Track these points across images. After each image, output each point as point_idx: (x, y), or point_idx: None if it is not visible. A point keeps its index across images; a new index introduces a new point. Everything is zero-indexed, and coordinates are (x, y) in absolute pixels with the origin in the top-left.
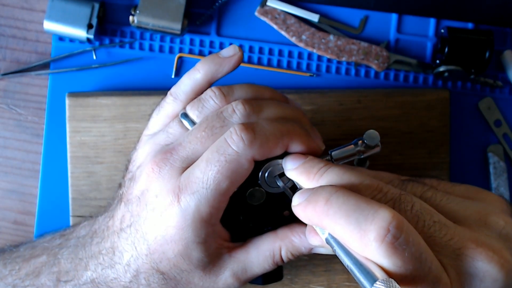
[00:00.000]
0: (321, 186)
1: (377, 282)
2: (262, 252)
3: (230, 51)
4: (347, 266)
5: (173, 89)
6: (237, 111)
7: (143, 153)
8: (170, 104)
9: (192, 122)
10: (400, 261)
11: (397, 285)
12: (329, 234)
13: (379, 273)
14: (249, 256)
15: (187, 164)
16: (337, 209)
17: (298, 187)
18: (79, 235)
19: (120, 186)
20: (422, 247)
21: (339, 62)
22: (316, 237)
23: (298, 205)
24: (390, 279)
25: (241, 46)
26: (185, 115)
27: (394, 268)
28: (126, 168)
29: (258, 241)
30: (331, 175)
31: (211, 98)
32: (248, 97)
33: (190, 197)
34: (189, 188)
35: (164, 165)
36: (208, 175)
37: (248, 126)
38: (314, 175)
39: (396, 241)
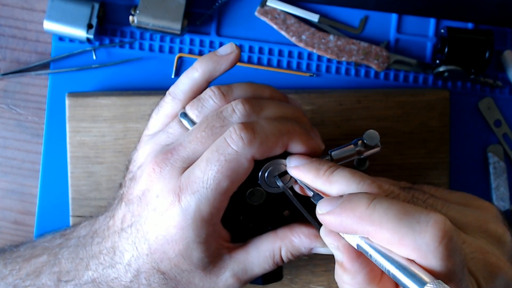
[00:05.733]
0: (352, 194)
1: (428, 285)
2: (262, 253)
3: (227, 49)
4: (388, 271)
5: (171, 89)
6: (237, 111)
7: (143, 154)
8: (169, 104)
9: (192, 122)
10: (451, 264)
11: (447, 286)
12: (364, 240)
13: (426, 276)
14: (249, 256)
15: (188, 164)
16: (382, 213)
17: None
18: (79, 235)
19: (120, 186)
20: (463, 253)
21: (339, 62)
22: (336, 237)
23: (330, 213)
24: (439, 280)
25: (241, 46)
26: (184, 115)
27: (443, 271)
28: (127, 168)
29: (258, 241)
30: (343, 174)
31: (211, 97)
32: (248, 96)
33: (190, 197)
34: (190, 188)
35: (165, 165)
36: (208, 174)
37: (248, 126)
38: (324, 172)
39: (451, 244)
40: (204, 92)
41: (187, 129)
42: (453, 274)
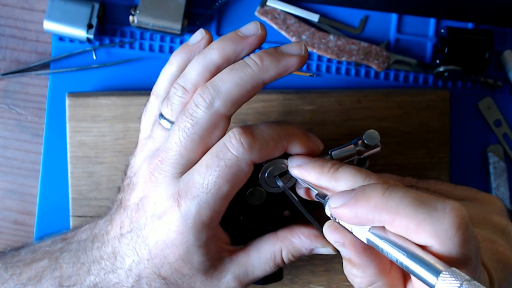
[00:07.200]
0: (365, 185)
1: (443, 273)
2: (263, 255)
3: (197, 37)
4: (401, 262)
5: (153, 88)
6: (199, 105)
7: (139, 160)
8: (153, 103)
9: (170, 122)
10: (467, 250)
11: (462, 273)
12: (373, 233)
13: (440, 265)
14: (250, 259)
15: (180, 168)
16: (398, 201)
17: (300, 186)
18: (80, 239)
19: (119, 190)
20: (477, 240)
21: (339, 62)
22: (341, 234)
23: (344, 205)
24: (453, 268)
25: None
26: (161, 116)
27: (460, 257)
28: (125, 173)
29: (258, 243)
30: (348, 170)
31: (175, 94)
32: (201, 78)
33: (190, 202)
34: (189, 193)
35: (158, 173)
36: (208, 180)
37: (247, 130)
38: (328, 169)
39: (468, 230)
40: (171, 89)
41: (168, 130)
42: (469, 260)
